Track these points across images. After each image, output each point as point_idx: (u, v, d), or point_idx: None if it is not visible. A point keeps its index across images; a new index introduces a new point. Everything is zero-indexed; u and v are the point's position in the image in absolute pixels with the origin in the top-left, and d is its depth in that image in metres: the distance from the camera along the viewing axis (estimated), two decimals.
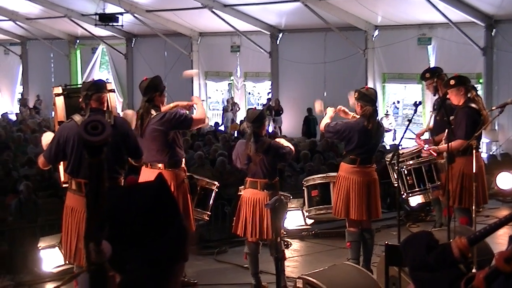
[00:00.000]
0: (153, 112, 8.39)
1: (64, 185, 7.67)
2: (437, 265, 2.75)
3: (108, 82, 8.12)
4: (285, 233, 9.50)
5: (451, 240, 2.91)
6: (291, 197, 10.13)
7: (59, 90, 8.08)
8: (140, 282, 1.99)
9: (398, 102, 28.33)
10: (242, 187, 8.96)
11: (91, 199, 1.87)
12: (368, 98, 9.01)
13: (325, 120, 9.36)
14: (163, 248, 2.03)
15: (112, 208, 2.02)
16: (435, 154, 9.55)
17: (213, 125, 27.95)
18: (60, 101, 7.96)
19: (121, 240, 1.99)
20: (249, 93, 30.80)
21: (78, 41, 36.49)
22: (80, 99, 7.43)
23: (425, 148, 9.81)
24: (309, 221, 11.27)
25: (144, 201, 2.06)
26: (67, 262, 7.84)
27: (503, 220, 2.97)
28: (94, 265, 1.85)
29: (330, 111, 9.43)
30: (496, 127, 20.44)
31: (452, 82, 9.64)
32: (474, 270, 3.00)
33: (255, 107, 24.78)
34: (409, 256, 2.84)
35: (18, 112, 34.44)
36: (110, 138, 1.82)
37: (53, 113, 10.80)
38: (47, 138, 7.96)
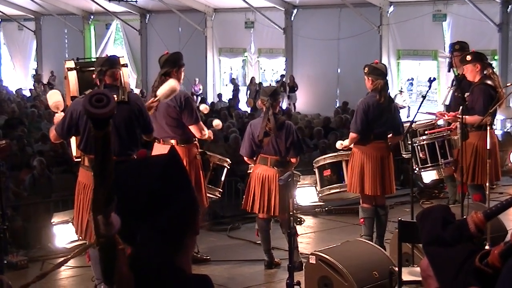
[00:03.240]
0: None
1: (76, 160, 7.65)
2: (452, 240, 2.72)
3: (121, 57, 8.07)
4: (297, 209, 9.50)
5: (466, 216, 2.89)
6: (301, 175, 10.11)
7: (71, 64, 8.05)
8: (150, 254, 1.98)
9: (413, 79, 28.17)
10: (251, 165, 8.96)
11: (97, 172, 1.84)
12: (379, 72, 8.98)
13: (346, 141, 9.30)
14: (173, 219, 2.01)
15: (122, 180, 2.00)
16: (453, 127, 9.50)
17: (227, 101, 27.91)
18: (72, 76, 7.92)
19: (131, 212, 1.97)
20: (264, 70, 30.67)
21: (92, 16, 36.45)
22: (94, 75, 7.40)
23: (445, 117, 9.77)
24: None
25: (154, 173, 2.04)
26: (79, 237, 7.84)
27: None
28: (103, 237, 1.84)
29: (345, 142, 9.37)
30: (511, 105, 20.34)
31: (468, 58, 9.58)
32: (487, 247, 2.97)
33: (270, 84, 24.66)
34: (425, 230, 2.81)
35: (32, 88, 34.46)
36: (115, 111, 1.80)
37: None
38: (52, 96, 7.96)
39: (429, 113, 10.61)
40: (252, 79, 28.76)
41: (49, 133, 7.62)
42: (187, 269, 2.08)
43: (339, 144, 9.46)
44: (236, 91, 29.61)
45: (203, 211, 9.08)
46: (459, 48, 10.24)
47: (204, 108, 9.10)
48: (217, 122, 9.22)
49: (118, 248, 1.84)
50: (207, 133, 8.67)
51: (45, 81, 36.51)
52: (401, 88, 25.39)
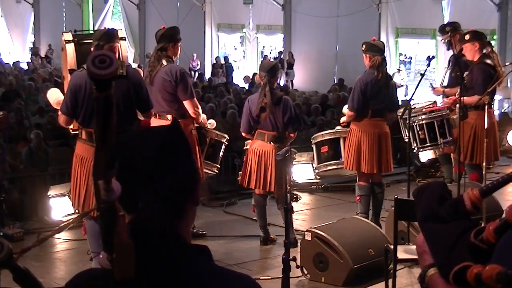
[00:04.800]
0: (164, 62, 8.34)
1: (73, 133, 7.63)
2: (448, 216, 2.72)
3: (119, 30, 8.04)
4: (293, 186, 9.51)
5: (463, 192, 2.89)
6: (297, 152, 10.09)
7: (69, 36, 8.01)
8: (151, 220, 1.98)
9: (411, 58, 28.11)
10: (249, 141, 8.95)
11: (99, 136, 1.84)
12: (376, 48, 8.98)
13: (343, 118, 9.30)
14: (174, 187, 2.02)
15: (124, 148, 2.01)
16: (452, 106, 9.50)
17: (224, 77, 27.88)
18: (70, 48, 7.89)
19: (133, 179, 1.97)
20: (263, 47, 30.61)
21: None
22: (92, 48, 7.36)
23: (444, 100, 9.77)
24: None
25: (155, 141, 2.05)
26: (76, 211, 7.84)
27: None
28: (103, 203, 1.84)
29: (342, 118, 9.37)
30: (509, 85, 20.33)
31: (467, 37, 9.58)
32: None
33: (269, 58, 24.59)
34: (421, 206, 2.81)
35: (30, 61, 34.40)
36: (118, 72, 1.79)
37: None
38: (53, 94, 7.92)
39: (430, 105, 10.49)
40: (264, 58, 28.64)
41: (58, 120, 7.51)
42: (187, 238, 2.09)
43: (342, 120, 9.47)
44: (228, 68, 29.52)
45: (204, 184, 9.09)
46: (451, 29, 10.23)
47: (210, 123, 8.99)
48: (211, 121, 9.14)
49: (118, 215, 1.84)
50: (204, 116, 8.65)
51: (42, 54, 36.42)
52: (399, 67, 25.37)
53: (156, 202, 1.97)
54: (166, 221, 2.00)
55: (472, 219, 2.78)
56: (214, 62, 29.89)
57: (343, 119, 9.36)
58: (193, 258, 2.03)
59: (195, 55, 29.33)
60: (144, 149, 2.01)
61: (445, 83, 10.65)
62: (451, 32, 10.11)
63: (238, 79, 28.28)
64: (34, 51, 37.26)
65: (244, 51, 30.70)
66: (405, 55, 28.03)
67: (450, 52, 10.44)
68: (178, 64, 8.61)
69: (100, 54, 1.79)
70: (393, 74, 22.02)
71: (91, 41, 7.52)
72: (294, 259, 6.51)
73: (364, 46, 9.01)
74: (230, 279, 2.10)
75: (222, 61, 30.18)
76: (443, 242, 2.64)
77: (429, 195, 2.78)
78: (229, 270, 2.15)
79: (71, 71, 7.69)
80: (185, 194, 2.05)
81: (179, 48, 8.56)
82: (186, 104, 8.34)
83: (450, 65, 10.62)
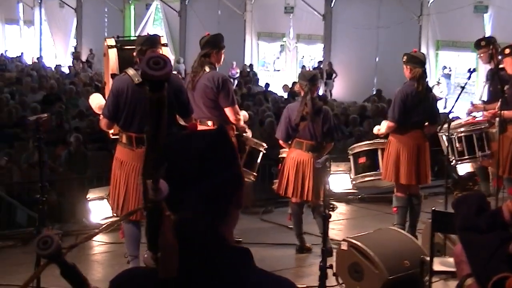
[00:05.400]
0: (207, 68, 8.40)
1: (113, 137, 7.71)
2: (486, 227, 2.74)
3: (161, 36, 8.12)
4: (330, 196, 9.52)
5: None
6: (334, 161, 10.08)
7: (112, 42, 8.11)
8: (195, 221, 2.02)
9: (450, 69, 27.96)
10: (285, 149, 8.99)
11: (150, 136, 1.89)
12: (417, 60, 8.96)
13: (383, 126, 9.23)
14: (218, 190, 2.06)
15: (172, 148, 2.05)
16: (492, 119, 9.45)
17: (264, 86, 27.89)
18: (113, 53, 7.99)
19: (179, 180, 2.02)
20: (302, 56, 30.59)
21: None
22: (134, 53, 7.44)
23: (484, 113, 9.72)
24: None
25: (202, 144, 2.09)
26: (114, 214, 7.92)
27: None
28: (151, 202, 1.89)
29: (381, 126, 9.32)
30: None
31: (507, 50, 9.53)
32: None
33: (308, 68, 24.65)
34: (460, 216, 2.83)
35: (71, 65, 34.73)
36: (171, 74, 1.86)
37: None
38: (95, 99, 7.99)
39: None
40: (303, 68, 28.62)
41: (100, 124, 7.59)
42: (230, 241, 2.13)
43: (376, 129, 9.44)
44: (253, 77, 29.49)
45: (247, 189, 9.13)
46: (486, 44, 10.18)
47: (244, 115, 9.04)
48: (243, 113, 9.19)
49: (164, 215, 1.88)
50: (242, 116, 8.69)
51: (83, 58, 36.75)
52: (439, 80, 25.24)
53: (200, 204, 2.01)
54: (209, 222, 2.04)
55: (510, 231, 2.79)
56: (241, 70, 29.85)
57: (382, 129, 9.32)
58: (235, 260, 2.07)
59: (234, 63, 29.41)
60: (190, 151, 2.05)
61: (484, 97, 10.61)
62: (487, 46, 10.06)
63: (277, 88, 28.31)
64: (76, 55, 37.62)
65: (284, 60, 30.70)
66: (449, 68, 27.92)
67: (489, 67, 10.39)
68: (218, 70, 8.66)
69: (154, 56, 1.85)
70: (433, 86, 21.93)
71: (134, 47, 7.59)
72: (331, 266, 6.52)
73: (405, 57, 9.01)
74: (270, 282, 2.13)
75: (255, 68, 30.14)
76: (481, 252, 2.65)
77: (468, 206, 2.80)
78: (270, 273, 2.19)
79: (113, 76, 7.78)
80: (228, 197, 2.09)
81: (223, 55, 8.62)
82: (227, 111, 8.39)
83: (488, 79, 10.57)
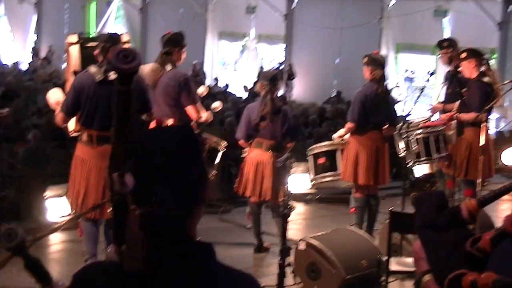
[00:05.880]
0: (168, 66, 8.41)
1: (72, 135, 7.68)
2: (445, 225, 2.79)
3: (124, 33, 8.12)
4: (288, 195, 9.57)
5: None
6: (296, 161, 10.14)
7: (74, 38, 8.09)
8: (160, 217, 2.05)
9: (413, 72, 28.16)
10: (246, 149, 9.02)
11: (117, 129, 1.92)
12: (378, 62, 9.07)
13: (341, 131, 9.35)
14: (185, 185, 2.09)
15: (140, 143, 2.08)
16: (449, 122, 9.56)
17: (224, 86, 27.87)
18: (75, 50, 7.97)
19: (146, 174, 2.05)
20: (262, 58, 30.58)
21: None
22: (96, 51, 7.43)
23: (441, 116, 9.82)
24: None
25: (170, 139, 2.12)
26: (73, 212, 7.90)
27: None
28: (117, 195, 1.91)
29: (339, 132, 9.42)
30: (506, 104, 20.40)
31: (463, 54, 9.65)
32: None
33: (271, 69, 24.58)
34: (419, 213, 2.89)
35: (30, 61, 34.40)
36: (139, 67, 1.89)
37: (64, 63, 10.84)
38: (53, 94, 7.97)
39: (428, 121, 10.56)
40: (261, 69, 28.56)
41: (55, 118, 7.57)
42: (194, 236, 2.17)
43: (336, 136, 9.53)
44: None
45: (211, 184, 9.16)
46: (448, 45, 10.32)
47: (204, 89, 9.12)
48: (216, 104, 9.25)
49: (130, 208, 1.91)
50: (205, 115, 8.70)
51: (42, 55, 36.43)
52: (398, 82, 25.38)
53: (168, 198, 2.04)
54: (175, 217, 2.07)
55: (469, 229, 2.85)
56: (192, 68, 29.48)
57: (340, 131, 9.42)
58: (200, 254, 2.10)
59: (195, 62, 29.34)
60: (158, 146, 2.08)
61: (441, 99, 10.72)
62: (449, 47, 10.19)
63: (238, 88, 28.30)
64: (35, 51, 37.27)
65: (245, 60, 30.69)
66: (412, 71, 28.09)
67: (447, 69, 10.51)
68: (181, 69, 8.68)
69: (124, 49, 1.89)
70: (392, 88, 22.07)
71: (96, 44, 7.59)
72: (290, 264, 6.57)
73: (366, 59, 9.09)
74: (234, 276, 2.18)
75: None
76: (440, 250, 2.71)
77: (428, 204, 2.85)
78: (233, 268, 2.22)
79: (75, 73, 7.77)
80: (195, 192, 2.13)
81: (184, 54, 8.63)
82: (189, 109, 8.40)
83: (445, 80, 10.69)
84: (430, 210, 2.90)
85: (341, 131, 9.35)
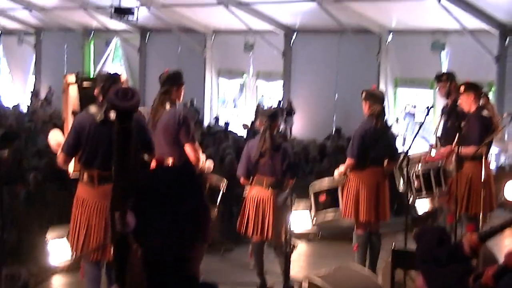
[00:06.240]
0: (167, 105, 8.42)
1: (72, 175, 7.68)
2: (447, 260, 2.78)
3: (121, 73, 8.16)
4: (290, 233, 9.55)
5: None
6: (297, 198, 10.13)
7: (72, 78, 8.10)
8: (162, 256, 2.04)
9: (414, 106, 28.23)
10: (247, 187, 9.01)
11: (118, 167, 1.91)
12: (376, 97, 9.10)
13: (341, 167, 9.36)
14: (187, 221, 2.08)
15: (140, 181, 2.07)
16: (449, 157, 9.55)
17: (223, 124, 27.91)
18: (73, 90, 7.98)
19: (147, 214, 2.04)
20: (262, 95, 30.62)
21: (92, 33, 36.52)
22: (95, 91, 7.45)
23: (440, 151, 9.81)
24: None
25: (171, 175, 2.11)
26: (74, 253, 7.86)
27: None
28: (119, 234, 1.90)
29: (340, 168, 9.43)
30: (506, 137, 20.41)
31: (462, 88, 9.68)
32: None
33: (263, 106, 24.69)
34: (421, 248, 2.87)
35: (30, 102, 34.51)
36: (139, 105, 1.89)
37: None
38: (54, 136, 7.97)
39: (427, 140, 10.65)
40: (258, 105, 28.60)
41: (57, 159, 7.56)
42: (197, 275, 2.15)
43: (336, 173, 9.52)
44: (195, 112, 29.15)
45: (213, 223, 9.13)
46: (446, 79, 10.35)
47: (208, 166, 9.01)
48: (209, 164, 9.20)
49: (132, 248, 1.90)
50: (208, 164, 8.67)
51: (42, 95, 36.53)
52: (397, 117, 25.41)
53: (170, 238, 2.03)
54: (178, 256, 2.05)
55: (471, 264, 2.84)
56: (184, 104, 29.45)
57: (340, 169, 9.42)
58: None
59: (195, 100, 29.41)
60: (160, 185, 2.07)
61: (439, 133, 10.72)
62: (447, 81, 10.22)
63: (238, 126, 28.33)
64: (34, 92, 37.37)
65: (244, 97, 30.76)
66: (413, 105, 28.15)
67: (445, 102, 10.53)
68: (179, 107, 8.69)
69: (123, 87, 1.89)
70: (392, 124, 22.11)
71: (94, 83, 7.62)
72: None
73: (364, 94, 9.12)
74: None
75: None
76: (442, 285, 2.69)
77: (429, 238, 2.84)
78: None
79: (74, 113, 7.78)
80: (198, 232, 2.12)
81: (182, 92, 8.65)
82: (187, 147, 8.39)
83: (443, 114, 10.68)
84: (431, 245, 2.88)
85: (342, 168, 9.35)
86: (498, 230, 2.96)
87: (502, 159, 20.45)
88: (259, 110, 28.13)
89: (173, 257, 2.06)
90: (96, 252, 6.99)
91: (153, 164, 7.64)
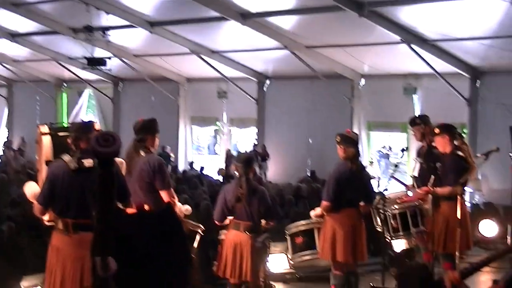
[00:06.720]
0: (142, 152, 8.40)
1: (47, 224, 7.63)
2: None
3: (95, 122, 8.14)
4: (268, 276, 9.51)
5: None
6: (274, 241, 10.11)
7: (45, 129, 8.10)
8: None
9: (390, 149, 28.44)
10: (224, 231, 8.99)
11: (100, 212, 1.91)
12: (350, 140, 9.16)
13: (318, 209, 9.40)
14: (168, 269, 2.07)
15: (121, 227, 2.06)
16: (425, 197, 9.59)
17: (199, 169, 27.88)
18: (47, 140, 7.96)
19: (128, 259, 2.02)
20: (236, 141, 30.69)
21: (65, 84, 36.52)
22: (69, 140, 7.42)
23: (417, 191, 9.85)
24: None
25: (152, 224, 2.11)
26: None
27: (496, 254, 3.00)
28: (99, 280, 1.89)
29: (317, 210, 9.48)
30: (480, 177, 20.53)
31: (437, 130, 9.77)
32: None
33: (245, 151, 24.81)
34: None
35: (3, 153, 34.35)
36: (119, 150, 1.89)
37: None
38: (30, 188, 7.92)
39: (401, 182, 10.74)
40: (228, 151, 28.69)
41: (34, 210, 7.52)
42: None
43: (312, 214, 9.55)
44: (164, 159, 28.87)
45: (195, 268, 9.09)
46: (420, 122, 10.44)
47: (186, 209, 9.06)
48: (187, 207, 9.20)
49: None
50: (185, 209, 8.67)
51: (15, 147, 36.36)
52: (372, 159, 25.53)
53: (151, 282, 2.01)
54: None
55: None
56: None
57: (317, 211, 9.43)
58: None
59: (168, 147, 29.37)
60: (141, 230, 2.06)
61: (416, 173, 10.79)
62: (422, 124, 10.31)
63: (212, 172, 28.31)
64: (7, 144, 37.20)
65: (216, 144, 30.80)
66: (389, 147, 28.37)
67: (420, 144, 10.60)
68: (155, 154, 8.69)
69: (104, 133, 1.89)
70: (366, 166, 22.16)
71: (67, 133, 7.59)
72: None
73: (338, 137, 9.18)
74: None
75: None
76: None
77: (411, 277, 2.85)
78: None
79: (47, 162, 7.75)
80: (180, 276, 2.10)
81: (157, 139, 8.65)
82: (163, 194, 8.36)
83: (418, 156, 10.76)
84: (413, 284, 2.89)
85: (318, 210, 9.37)
86: (478, 267, 2.97)
87: (477, 198, 20.56)
88: (228, 156, 28.22)
89: None
90: None
91: (131, 210, 7.58)
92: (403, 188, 10.58)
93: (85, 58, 27.48)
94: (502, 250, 3.05)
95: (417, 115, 11.42)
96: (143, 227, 2.09)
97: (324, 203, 9.14)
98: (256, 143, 28.30)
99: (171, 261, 2.09)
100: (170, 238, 2.11)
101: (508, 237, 13.70)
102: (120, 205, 7.39)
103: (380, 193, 9.54)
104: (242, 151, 26.79)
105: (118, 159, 8.81)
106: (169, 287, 2.08)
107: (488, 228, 14.34)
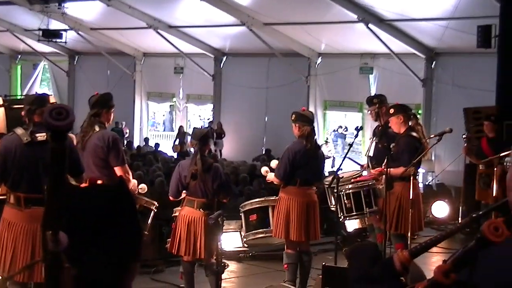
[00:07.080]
0: (96, 127, 8.33)
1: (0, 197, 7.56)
2: (379, 277, 2.80)
3: (50, 95, 8.06)
4: (221, 254, 9.53)
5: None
6: (228, 219, 10.13)
7: None
8: (95, 276, 2.01)
9: (346, 129, 28.60)
10: (177, 208, 8.97)
11: (51, 186, 1.88)
12: (306, 119, 9.17)
13: (271, 176, 9.41)
14: (119, 244, 2.06)
15: (72, 202, 2.04)
16: (379, 177, 9.64)
17: (153, 146, 27.81)
18: (0, 113, 7.88)
19: (79, 232, 2.01)
20: (190, 119, 30.58)
21: (19, 56, 36.13)
22: (22, 112, 7.34)
23: (371, 171, 9.91)
24: None
25: (103, 198, 2.09)
26: (0, 276, 7.71)
27: (445, 234, 3.02)
28: (50, 254, 1.87)
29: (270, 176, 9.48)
30: (433, 158, 20.74)
31: (391, 110, 9.81)
32: None
33: (201, 126, 24.78)
34: (353, 266, 2.89)
35: None
36: (73, 124, 1.87)
37: None
38: None
39: (356, 162, 10.80)
40: (180, 128, 28.62)
41: None
42: None
43: (264, 170, 9.57)
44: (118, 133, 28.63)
45: (144, 245, 9.04)
46: (377, 102, 10.47)
47: (141, 188, 9.02)
48: (142, 186, 9.16)
49: (63, 267, 1.87)
50: (133, 183, 8.62)
51: None
52: (327, 139, 25.67)
53: (102, 257, 2.01)
54: (110, 275, 2.03)
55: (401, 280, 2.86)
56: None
57: (265, 169, 9.49)
58: None
59: (124, 123, 29.22)
60: (92, 204, 2.05)
61: (371, 153, 10.83)
62: (379, 104, 10.34)
63: (167, 148, 28.26)
64: None
65: (172, 120, 30.72)
66: (345, 127, 28.51)
67: (376, 124, 10.65)
68: (109, 129, 8.62)
69: (57, 106, 1.86)
70: (321, 145, 22.27)
71: (22, 106, 7.51)
72: None
73: (294, 115, 9.18)
74: None
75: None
76: None
77: (361, 256, 2.86)
78: None
79: (0, 135, 7.66)
80: (130, 251, 2.10)
81: (112, 114, 8.58)
82: (117, 170, 8.31)
83: (374, 135, 10.82)
84: (363, 263, 2.90)
85: (271, 175, 9.38)
86: (428, 246, 2.99)
87: (430, 178, 20.78)
88: (180, 133, 28.17)
89: (106, 277, 2.04)
90: (23, 273, 6.86)
91: (84, 185, 7.53)
92: (358, 168, 10.63)
93: (41, 30, 27.17)
94: (450, 230, 3.08)
95: (374, 95, 11.45)
96: (94, 201, 2.07)
97: (276, 179, 9.20)
98: (212, 120, 28.28)
99: (121, 236, 2.07)
100: (121, 213, 2.09)
101: (459, 218, 13.87)
102: (73, 180, 7.37)
103: (335, 173, 9.58)
104: (197, 127, 26.80)
105: (69, 134, 8.74)
106: (120, 262, 2.07)
107: (440, 209, 14.50)
